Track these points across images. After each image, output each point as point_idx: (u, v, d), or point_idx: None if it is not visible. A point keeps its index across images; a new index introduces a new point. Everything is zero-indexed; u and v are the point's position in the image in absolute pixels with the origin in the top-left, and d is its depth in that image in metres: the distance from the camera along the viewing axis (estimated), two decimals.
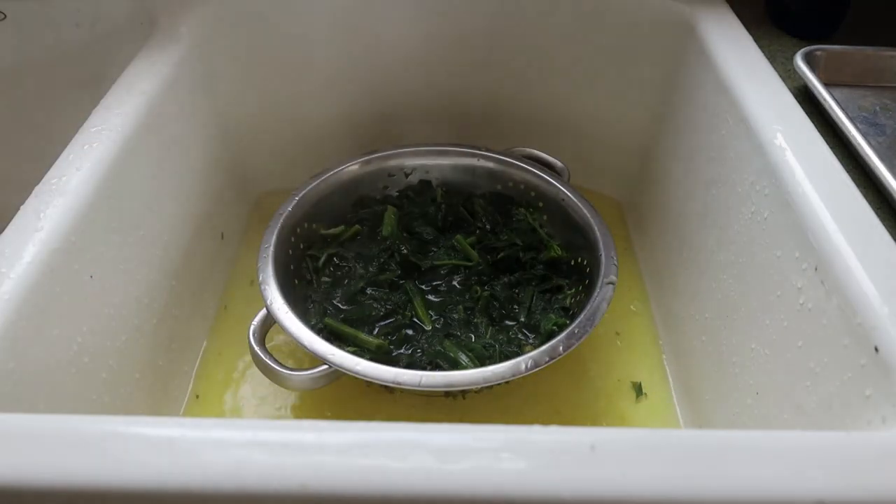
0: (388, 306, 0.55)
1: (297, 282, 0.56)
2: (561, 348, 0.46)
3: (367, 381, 0.45)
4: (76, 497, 0.26)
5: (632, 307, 0.63)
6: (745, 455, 0.27)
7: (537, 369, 0.45)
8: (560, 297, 0.56)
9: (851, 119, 0.46)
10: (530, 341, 0.54)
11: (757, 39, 0.54)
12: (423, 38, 0.66)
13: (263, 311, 0.49)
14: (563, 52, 0.66)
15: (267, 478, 0.26)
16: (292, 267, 0.56)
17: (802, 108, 0.46)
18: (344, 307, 0.56)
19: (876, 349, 0.31)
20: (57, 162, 0.43)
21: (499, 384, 0.45)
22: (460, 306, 0.56)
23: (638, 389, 0.55)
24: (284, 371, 0.46)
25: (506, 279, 0.58)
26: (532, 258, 0.59)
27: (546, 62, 0.67)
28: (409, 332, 0.54)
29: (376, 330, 0.54)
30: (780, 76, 0.50)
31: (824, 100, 0.49)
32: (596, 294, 0.49)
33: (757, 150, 0.44)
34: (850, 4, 0.61)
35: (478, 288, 0.57)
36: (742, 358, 0.45)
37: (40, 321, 0.37)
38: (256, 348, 0.47)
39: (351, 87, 0.69)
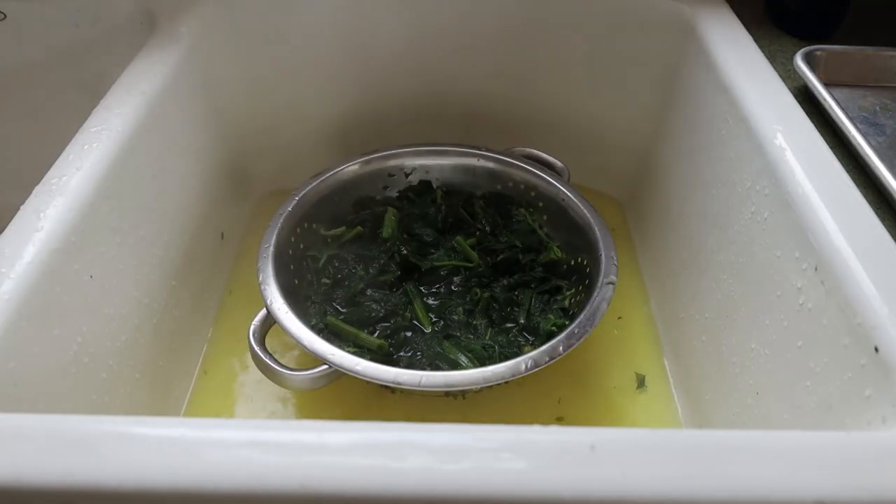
0: (388, 308, 0.55)
1: (297, 282, 0.56)
2: (561, 348, 0.46)
3: (367, 381, 0.45)
4: (76, 497, 0.26)
5: (632, 307, 0.63)
6: (745, 455, 0.27)
7: (537, 369, 0.45)
8: (559, 297, 0.56)
9: (851, 119, 0.46)
10: (530, 343, 0.54)
11: (757, 39, 0.54)
12: (422, 38, 0.66)
13: (263, 311, 0.49)
14: (563, 51, 0.66)
15: (267, 478, 0.26)
16: (292, 267, 0.56)
17: (802, 108, 0.46)
18: (344, 308, 0.56)
19: (876, 349, 0.31)
20: (57, 162, 0.43)
21: (499, 384, 0.45)
22: (460, 308, 0.56)
23: (640, 384, 0.55)
24: (284, 371, 0.46)
25: (505, 281, 0.58)
26: (531, 260, 0.59)
27: (546, 62, 0.67)
28: (409, 333, 0.54)
29: (376, 332, 0.54)
30: (780, 76, 0.50)
31: (824, 100, 0.49)
32: (596, 294, 0.49)
33: (757, 150, 0.44)
34: (850, 4, 0.61)
35: (477, 290, 0.57)
36: (742, 358, 0.45)
37: (40, 321, 0.37)
38: (256, 348, 0.47)
39: (351, 87, 0.69)
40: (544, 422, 0.28)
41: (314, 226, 0.59)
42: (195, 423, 0.28)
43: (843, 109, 0.47)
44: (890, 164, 0.43)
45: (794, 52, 0.54)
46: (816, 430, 0.35)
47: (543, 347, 0.46)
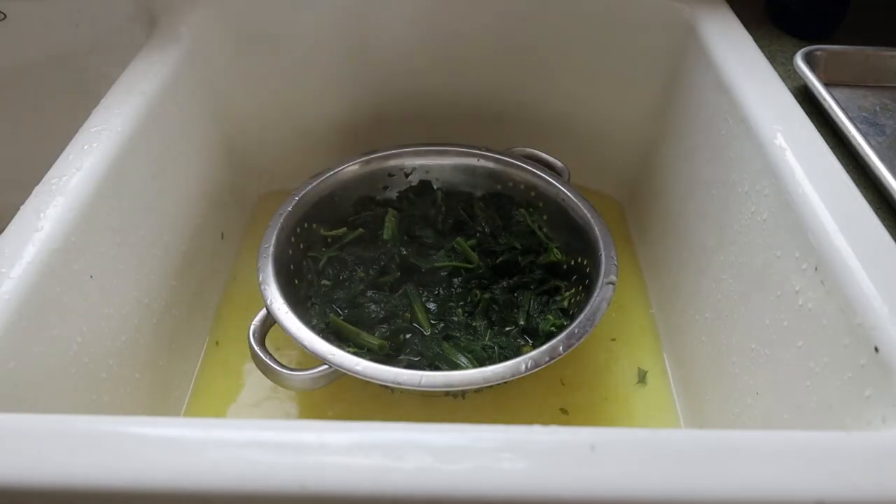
0: (388, 309, 0.55)
1: (297, 282, 0.56)
2: (561, 348, 0.46)
3: (367, 381, 0.45)
4: (76, 497, 0.26)
5: (632, 307, 0.63)
6: (745, 455, 0.27)
7: (537, 369, 0.45)
8: (558, 298, 0.56)
9: (851, 119, 0.46)
10: (529, 344, 0.54)
11: (757, 39, 0.54)
12: (423, 39, 0.66)
13: (263, 311, 0.49)
14: (563, 51, 0.66)
15: (267, 478, 0.26)
16: (292, 267, 0.56)
17: (802, 108, 0.46)
18: (343, 310, 0.56)
19: (876, 349, 0.31)
20: (57, 162, 0.43)
21: (499, 384, 0.45)
22: (459, 309, 0.56)
23: (639, 384, 0.55)
24: (284, 371, 0.46)
25: (505, 283, 0.58)
26: (531, 261, 0.59)
27: (546, 62, 0.67)
28: (409, 335, 0.54)
29: (376, 334, 0.54)
30: (780, 76, 0.50)
31: (824, 100, 0.49)
32: (596, 294, 0.49)
33: (757, 150, 0.44)
34: (850, 4, 0.61)
35: (477, 291, 0.57)
36: (742, 358, 0.45)
37: (40, 321, 0.37)
38: (256, 348, 0.47)
39: (351, 87, 0.69)
40: (544, 422, 0.28)
41: (314, 226, 0.59)
42: (195, 423, 0.28)
43: (843, 109, 0.47)
44: (890, 164, 0.43)
45: (794, 52, 0.54)
46: (816, 430, 0.35)
47: (543, 347, 0.46)
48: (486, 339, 0.53)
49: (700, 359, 0.52)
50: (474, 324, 0.55)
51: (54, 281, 0.38)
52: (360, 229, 0.61)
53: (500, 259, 0.59)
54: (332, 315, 0.54)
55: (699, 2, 0.59)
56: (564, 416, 0.54)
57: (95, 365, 0.42)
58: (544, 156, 0.64)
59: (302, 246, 0.58)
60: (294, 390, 0.54)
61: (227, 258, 0.66)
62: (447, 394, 0.54)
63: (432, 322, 0.55)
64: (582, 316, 0.48)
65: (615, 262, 0.52)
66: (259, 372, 0.47)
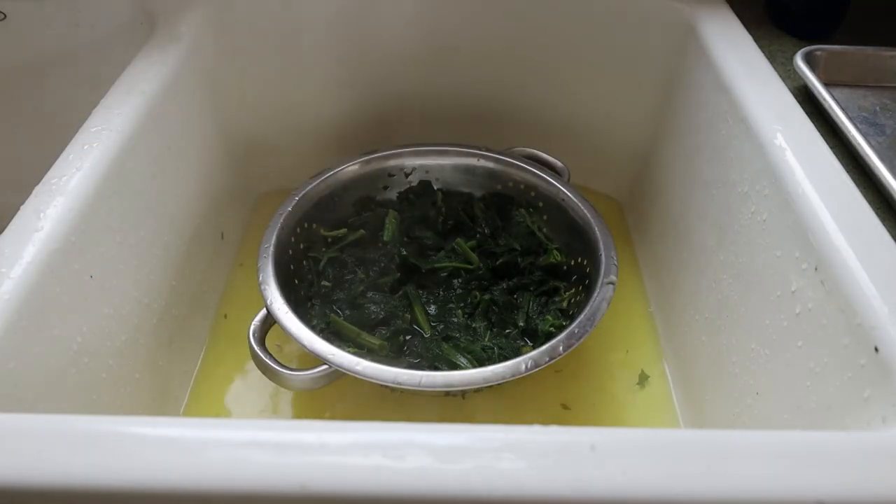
0: (388, 310, 0.55)
1: (297, 282, 0.56)
2: (561, 348, 0.46)
3: (367, 381, 0.45)
4: (76, 497, 0.26)
5: (632, 307, 0.63)
6: (745, 455, 0.27)
7: (537, 369, 0.45)
8: (557, 299, 0.56)
9: (851, 119, 0.46)
10: (529, 345, 0.54)
11: (757, 39, 0.54)
12: (423, 38, 0.66)
13: (263, 311, 0.49)
14: (563, 52, 0.66)
15: (267, 478, 0.26)
16: (292, 267, 0.56)
17: (802, 108, 0.46)
18: (344, 311, 0.55)
19: (876, 349, 0.31)
20: (57, 162, 0.43)
21: (499, 384, 0.45)
22: (459, 310, 0.56)
23: (639, 384, 0.55)
24: (284, 371, 0.46)
25: (505, 284, 0.58)
26: (530, 263, 0.59)
27: (546, 62, 0.67)
28: (408, 336, 0.54)
29: (376, 335, 0.54)
30: (780, 76, 0.50)
31: (824, 100, 0.49)
32: (596, 294, 0.49)
33: (757, 150, 0.44)
34: (850, 4, 0.61)
35: (477, 293, 0.57)
36: (742, 358, 0.45)
37: (40, 321, 0.37)
38: (256, 348, 0.47)
39: (351, 87, 0.69)
40: (544, 422, 0.28)
41: (314, 226, 0.59)
42: (195, 423, 0.28)
43: (843, 109, 0.47)
44: (890, 164, 0.43)
45: (794, 52, 0.54)
46: (816, 430, 0.35)
47: (543, 347, 0.46)
48: (486, 339, 0.53)
49: (700, 359, 0.52)
50: (474, 325, 0.55)
51: (54, 281, 0.38)
52: (361, 231, 0.61)
53: (500, 261, 0.59)
54: (332, 315, 0.54)
55: (699, 2, 0.59)
56: (564, 416, 0.54)
57: (95, 365, 0.42)
58: (544, 156, 0.64)
59: (302, 246, 0.58)
60: (294, 390, 0.54)
61: (227, 258, 0.66)
62: (447, 394, 0.54)
63: (432, 324, 0.55)
64: (582, 316, 0.48)
65: (615, 262, 0.52)
66: (259, 372, 0.47)
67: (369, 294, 0.57)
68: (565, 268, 0.59)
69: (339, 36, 0.65)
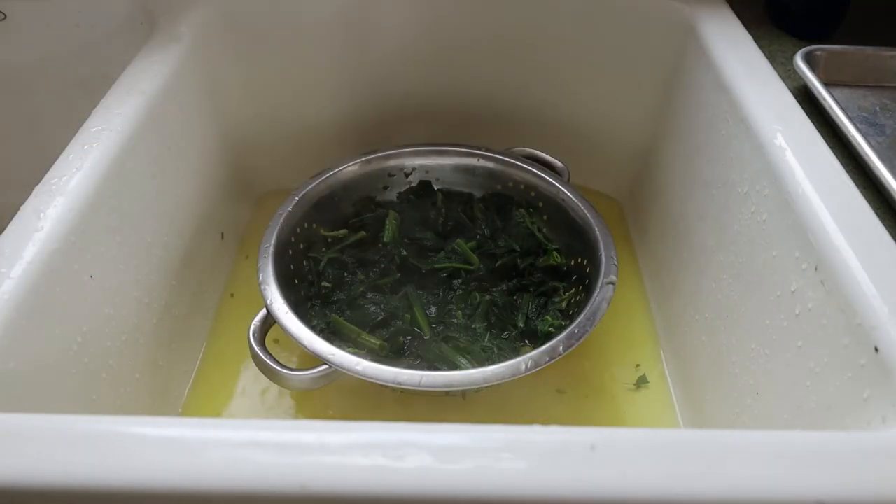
0: (388, 311, 0.55)
1: (297, 282, 0.56)
2: (561, 348, 0.46)
3: (367, 381, 0.45)
4: (76, 497, 0.26)
5: (631, 307, 0.63)
6: (745, 455, 0.27)
7: (537, 369, 0.45)
8: (556, 300, 0.56)
9: (851, 119, 0.46)
10: (528, 346, 0.54)
11: (757, 39, 0.54)
12: (423, 38, 0.66)
13: (263, 311, 0.49)
14: (563, 51, 0.66)
15: (267, 478, 0.26)
16: (292, 267, 0.56)
17: (802, 108, 0.46)
18: (344, 311, 0.55)
19: (876, 349, 0.31)
20: (57, 162, 0.43)
21: (499, 384, 0.45)
22: (459, 311, 0.56)
23: (639, 384, 0.55)
24: (284, 371, 0.46)
25: (504, 286, 0.58)
26: (530, 264, 0.59)
27: (546, 62, 0.67)
28: (408, 337, 0.54)
29: (376, 335, 0.54)
30: (780, 76, 0.50)
31: (824, 100, 0.49)
32: (596, 294, 0.49)
33: (757, 150, 0.44)
34: (850, 4, 0.61)
35: (477, 294, 0.57)
36: (742, 358, 0.45)
37: (40, 321, 0.37)
38: (256, 348, 0.47)
39: (351, 87, 0.69)
40: (544, 422, 0.28)
41: (314, 226, 0.59)
42: (195, 423, 0.28)
43: (843, 109, 0.47)
44: (890, 164, 0.43)
45: (794, 52, 0.54)
46: (816, 430, 0.35)
47: (543, 347, 0.46)
48: (486, 340, 0.53)
49: (700, 359, 0.52)
50: (474, 326, 0.55)
51: (54, 281, 0.38)
52: (362, 232, 0.61)
53: (500, 262, 0.59)
54: (332, 315, 0.54)
55: (699, 2, 0.59)
56: (564, 415, 0.54)
57: (95, 365, 0.42)
58: (544, 156, 0.64)
59: (302, 246, 0.58)
60: (294, 390, 0.54)
61: (227, 258, 0.66)
62: (447, 394, 0.54)
63: (432, 325, 0.55)
64: (582, 316, 0.48)
65: (615, 262, 0.52)
66: (259, 372, 0.47)
67: (369, 295, 0.57)
68: (565, 268, 0.59)
69: (339, 36, 0.65)
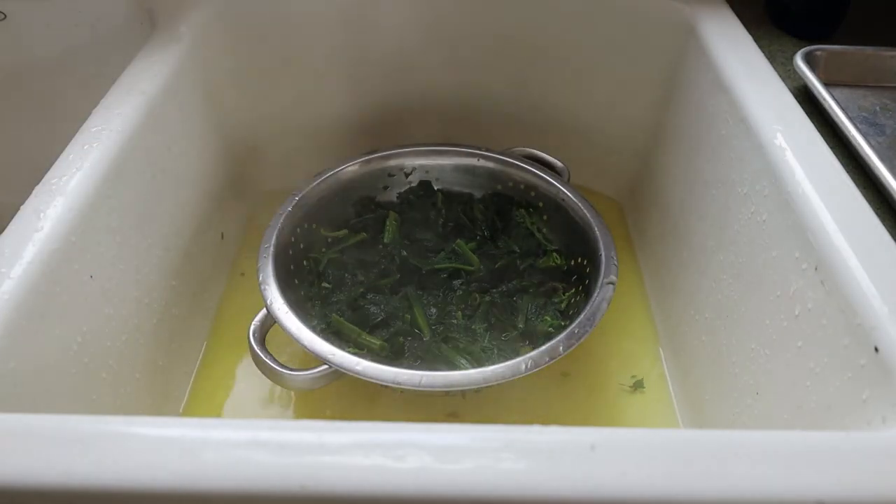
0: (388, 312, 0.55)
1: (297, 282, 0.56)
2: (561, 348, 0.46)
3: (367, 381, 0.45)
4: (76, 497, 0.26)
5: (631, 307, 0.62)
6: (745, 455, 0.27)
7: (537, 369, 0.45)
8: (556, 300, 0.56)
9: (851, 119, 0.46)
10: (528, 346, 0.54)
11: (757, 39, 0.54)
12: (423, 39, 0.66)
13: (263, 311, 0.49)
14: (563, 51, 0.66)
15: (267, 478, 0.26)
16: (292, 267, 0.56)
17: (802, 108, 0.46)
18: (344, 312, 0.55)
19: (876, 349, 0.31)
20: (57, 162, 0.43)
21: (498, 384, 0.45)
22: (459, 312, 0.56)
23: (638, 384, 0.55)
24: (284, 371, 0.46)
25: (504, 287, 0.58)
26: (530, 265, 0.59)
27: (546, 62, 0.67)
28: (408, 338, 0.54)
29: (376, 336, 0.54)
30: (780, 76, 0.50)
31: (824, 100, 0.49)
32: (596, 294, 0.49)
33: (757, 150, 0.44)
34: (850, 4, 0.61)
35: (477, 295, 0.57)
36: (742, 358, 0.45)
37: (40, 321, 0.37)
38: (256, 348, 0.47)
39: (350, 87, 0.69)
40: (544, 422, 0.28)
41: (314, 226, 0.59)
42: (195, 423, 0.28)
43: (843, 109, 0.47)
44: (890, 164, 0.43)
45: (794, 52, 0.54)
46: (816, 430, 0.35)
47: (543, 347, 0.46)
48: (486, 341, 0.53)
49: (700, 359, 0.52)
50: (474, 326, 0.55)
51: (54, 281, 0.38)
52: (363, 233, 0.61)
53: (500, 263, 0.59)
54: (333, 315, 0.54)
55: (699, 2, 0.59)
56: (563, 415, 0.54)
57: (95, 365, 0.42)
58: (544, 156, 0.64)
59: (302, 246, 0.58)
60: (294, 390, 0.54)
61: (227, 258, 0.66)
62: (447, 394, 0.54)
63: (432, 326, 0.55)
64: (582, 316, 0.48)
65: (615, 262, 0.52)
66: (259, 372, 0.47)
67: (369, 295, 0.57)
68: (565, 268, 0.59)
69: (339, 36, 0.65)
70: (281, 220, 0.55)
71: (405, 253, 0.59)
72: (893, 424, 0.30)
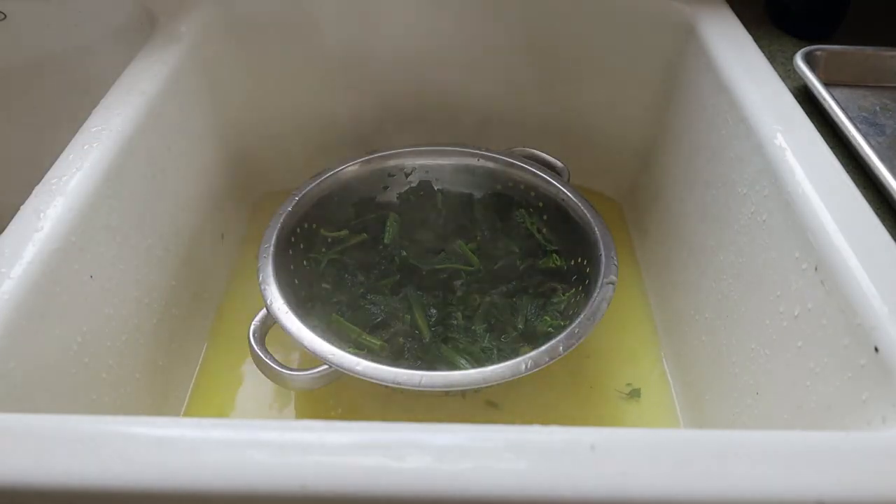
0: (388, 312, 0.55)
1: (297, 282, 0.56)
2: (561, 348, 0.46)
3: (367, 381, 0.45)
4: (76, 497, 0.26)
5: (631, 307, 0.63)
6: (745, 455, 0.27)
7: (537, 369, 0.45)
8: (555, 300, 0.56)
9: (851, 119, 0.46)
10: (528, 347, 0.54)
11: (757, 39, 0.54)
12: (423, 39, 0.66)
13: (263, 311, 0.49)
14: (563, 51, 0.66)
15: (267, 478, 0.26)
16: (292, 267, 0.56)
17: (802, 108, 0.46)
18: (344, 312, 0.55)
19: (876, 349, 0.31)
20: (57, 162, 0.43)
21: (498, 384, 0.45)
22: (459, 313, 0.56)
23: (636, 392, 0.55)
24: (284, 371, 0.46)
25: (504, 287, 0.58)
26: (529, 266, 0.59)
27: (546, 62, 0.67)
28: (408, 339, 0.54)
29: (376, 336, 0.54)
30: (780, 76, 0.50)
31: (824, 100, 0.49)
32: (596, 294, 0.49)
33: (757, 150, 0.44)
34: (850, 5, 0.61)
35: (477, 296, 0.57)
36: (742, 358, 0.45)
37: (40, 321, 0.37)
38: (256, 348, 0.47)
39: (351, 87, 0.69)
40: (544, 422, 0.28)
41: (314, 226, 0.59)
42: (195, 423, 0.28)
43: (843, 109, 0.47)
44: (890, 164, 0.43)
45: (794, 52, 0.54)
46: (816, 430, 0.35)
47: (543, 347, 0.46)
48: (486, 342, 0.53)
49: (700, 359, 0.52)
50: (474, 327, 0.55)
51: (54, 281, 0.38)
52: (364, 234, 0.61)
53: (499, 264, 0.59)
54: (333, 315, 0.54)
55: (699, 2, 0.59)
56: (563, 415, 0.54)
57: (95, 365, 0.42)
58: (544, 156, 0.64)
59: (302, 246, 0.58)
60: (294, 390, 0.54)
61: (227, 258, 0.66)
62: (447, 394, 0.54)
63: (432, 327, 0.55)
64: (582, 316, 0.48)
65: (615, 263, 0.52)
66: (259, 372, 0.47)
67: (369, 296, 0.57)
68: (565, 268, 0.59)
69: (339, 36, 0.65)
70: (281, 220, 0.55)
71: (405, 253, 0.59)
72: (893, 424, 0.30)
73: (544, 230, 0.61)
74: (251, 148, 0.70)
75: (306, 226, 0.58)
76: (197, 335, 0.58)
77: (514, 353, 0.52)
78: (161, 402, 0.51)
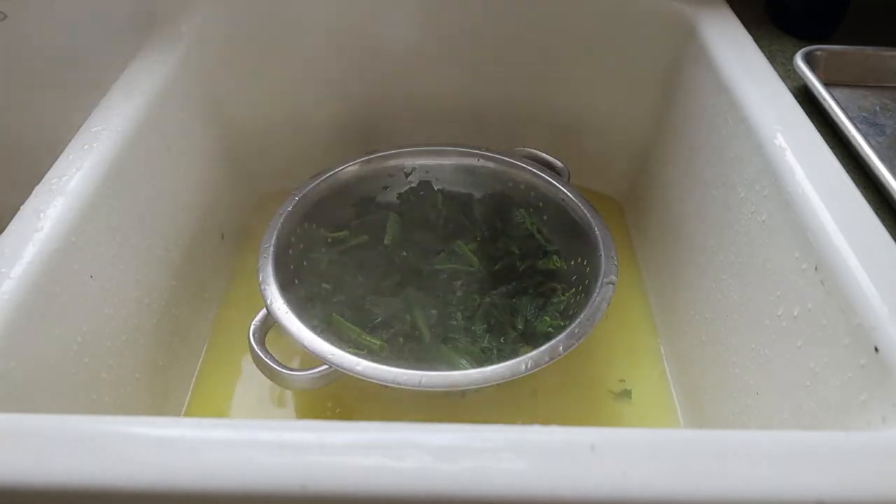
0: (388, 313, 0.55)
1: (297, 282, 0.56)
2: (561, 348, 0.46)
3: (367, 381, 0.45)
4: (76, 497, 0.26)
5: (631, 307, 0.62)
6: (745, 455, 0.27)
7: (537, 369, 0.45)
8: (555, 300, 0.56)
9: (851, 119, 0.46)
10: (527, 347, 0.54)
11: (757, 39, 0.54)
12: (423, 38, 0.66)
13: (263, 311, 0.49)
14: (563, 51, 0.66)
15: (267, 478, 0.26)
16: (292, 267, 0.56)
17: (802, 108, 0.46)
18: (344, 312, 0.55)
19: (876, 349, 0.31)
20: (57, 162, 0.43)
21: (498, 384, 0.45)
22: (459, 314, 0.56)
23: (629, 393, 0.55)
24: (284, 371, 0.46)
25: (504, 288, 0.58)
26: (530, 266, 0.59)
27: (546, 62, 0.67)
28: (409, 339, 0.54)
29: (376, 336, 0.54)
30: (780, 76, 0.50)
31: (824, 100, 0.49)
32: (596, 294, 0.49)
33: (757, 150, 0.44)
34: (850, 5, 0.61)
35: (477, 296, 0.57)
36: (742, 358, 0.45)
37: (40, 321, 0.37)
38: (256, 348, 0.47)
39: (351, 87, 0.69)
40: (544, 421, 0.28)
41: (314, 226, 0.59)
42: (195, 423, 0.28)
43: (843, 109, 0.47)
44: (890, 164, 0.43)
45: (794, 52, 0.54)
46: (816, 430, 0.35)
47: (543, 347, 0.46)
48: (486, 342, 0.53)
49: (700, 359, 0.52)
50: (474, 328, 0.55)
51: (54, 281, 0.38)
52: (364, 235, 0.61)
53: (499, 265, 0.59)
54: (333, 315, 0.54)
55: (699, 2, 0.59)
56: (563, 415, 0.54)
57: (95, 365, 0.42)
58: (544, 156, 0.64)
59: (302, 246, 0.58)
60: (294, 390, 0.54)
61: (227, 258, 0.66)
62: (447, 394, 0.54)
63: (432, 328, 0.55)
64: (582, 316, 0.48)
65: (615, 263, 0.52)
66: (259, 372, 0.47)
67: (369, 297, 0.57)
68: (565, 268, 0.58)
69: (339, 36, 0.65)
70: (281, 220, 0.55)
71: (405, 254, 0.59)
72: (893, 424, 0.30)
73: (544, 230, 0.61)
74: (251, 148, 0.70)
75: (306, 226, 0.58)
76: (197, 335, 0.58)
77: (514, 354, 0.52)
78: (161, 402, 0.51)
